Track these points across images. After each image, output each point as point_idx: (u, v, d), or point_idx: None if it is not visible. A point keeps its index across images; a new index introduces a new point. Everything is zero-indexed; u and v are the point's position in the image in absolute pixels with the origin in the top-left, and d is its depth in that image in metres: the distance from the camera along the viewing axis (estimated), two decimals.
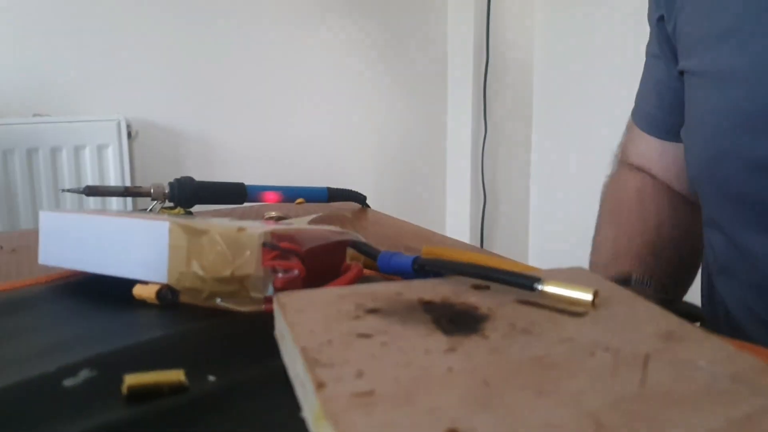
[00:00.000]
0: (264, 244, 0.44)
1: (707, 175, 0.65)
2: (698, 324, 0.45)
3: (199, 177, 0.82)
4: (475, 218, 2.29)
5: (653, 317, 0.38)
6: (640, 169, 0.82)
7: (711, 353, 0.33)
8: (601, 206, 0.82)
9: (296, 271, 0.44)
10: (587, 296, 0.39)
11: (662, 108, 0.77)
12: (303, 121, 2.04)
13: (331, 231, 0.50)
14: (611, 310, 0.39)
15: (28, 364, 0.37)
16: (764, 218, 0.60)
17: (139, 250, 0.48)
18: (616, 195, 0.81)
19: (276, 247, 0.44)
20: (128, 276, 0.49)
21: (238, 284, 0.45)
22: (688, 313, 0.45)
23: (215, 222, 0.50)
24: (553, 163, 2.24)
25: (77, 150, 1.67)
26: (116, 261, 0.49)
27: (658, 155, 0.79)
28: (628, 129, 0.84)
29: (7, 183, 1.61)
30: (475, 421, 0.27)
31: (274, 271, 0.44)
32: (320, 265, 0.47)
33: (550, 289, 0.40)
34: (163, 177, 0.86)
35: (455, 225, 2.33)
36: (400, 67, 2.19)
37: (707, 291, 0.73)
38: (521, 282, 0.41)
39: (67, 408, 0.33)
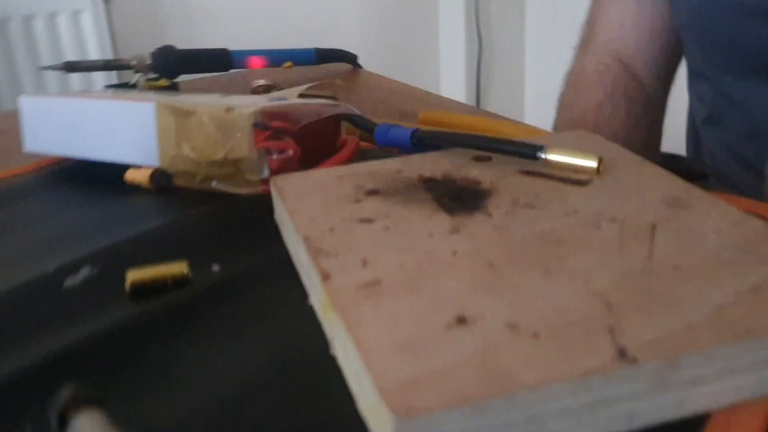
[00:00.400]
0: (255, 125, 0.42)
1: (697, 22, 0.63)
2: (708, 179, 0.45)
3: (180, 40, 0.79)
4: (470, 72, 2.23)
5: (659, 182, 0.37)
6: (603, 59, 0.77)
7: (718, 221, 0.32)
8: (560, 103, 0.78)
9: (291, 152, 0.43)
10: (592, 163, 0.38)
11: None
12: None
13: (324, 105, 0.48)
14: (616, 176, 0.38)
15: (25, 263, 0.37)
16: (754, 65, 0.59)
17: (126, 132, 0.47)
18: (575, 90, 0.77)
19: (267, 127, 0.43)
20: (118, 160, 0.47)
21: (232, 167, 0.44)
22: (695, 171, 0.45)
23: (203, 100, 0.48)
24: (548, 7, 2.16)
25: (51, 18, 1.60)
26: (105, 145, 0.48)
27: (633, 19, 0.74)
28: (595, 1, 0.80)
29: None
30: (483, 306, 0.27)
31: (268, 152, 0.43)
32: (315, 142, 0.46)
33: (553, 157, 0.39)
34: (144, 42, 0.83)
35: (450, 80, 2.27)
36: None
37: (692, 143, 0.73)
38: (524, 152, 0.40)
39: (70, 310, 0.33)
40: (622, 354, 0.23)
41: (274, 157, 0.43)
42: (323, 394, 0.27)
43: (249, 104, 0.44)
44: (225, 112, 0.43)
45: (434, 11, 2.24)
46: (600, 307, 0.26)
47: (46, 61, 1.58)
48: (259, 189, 0.44)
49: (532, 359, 0.24)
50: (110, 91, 0.67)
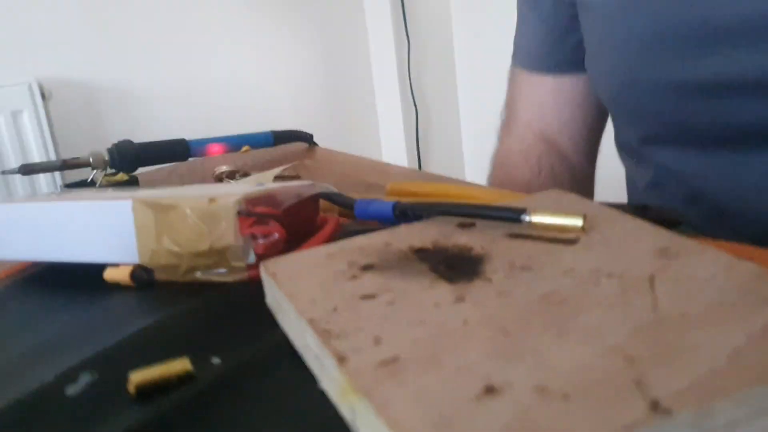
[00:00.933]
0: (239, 212, 0.42)
1: (621, 99, 0.64)
2: (680, 226, 0.46)
3: (123, 133, 0.79)
4: (409, 134, 2.28)
5: (644, 234, 0.38)
6: (527, 139, 0.78)
7: (712, 266, 0.33)
8: (489, 185, 0.78)
9: (276, 235, 0.43)
10: (577, 222, 0.39)
11: (550, 41, 0.73)
12: (224, 60, 1.97)
13: (302, 186, 0.49)
14: (602, 231, 0.39)
15: (20, 374, 0.36)
16: (685, 137, 0.60)
17: (103, 232, 0.46)
18: (503, 172, 0.77)
19: (252, 214, 0.43)
20: (96, 260, 0.47)
21: (217, 256, 0.43)
22: (668, 219, 0.46)
23: (178, 192, 0.48)
24: (477, 60, 2.23)
25: None
26: (80, 246, 0.47)
27: (553, 96, 0.75)
28: (512, 82, 0.80)
29: None
30: (508, 373, 0.27)
31: (254, 237, 0.43)
32: (297, 223, 0.46)
33: (537, 219, 0.40)
34: (85, 138, 0.82)
35: (391, 145, 2.32)
36: None
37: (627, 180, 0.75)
38: (508, 216, 0.40)
39: (77, 418, 0.32)
40: (655, 406, 0.24)
41: (260, 241, 0.43)
42: None
43: (230, 193, 0.44)
44: (208, 203, 0.43)
45: (370, 84, 2.30)
46: (622, 362, 0.27)
47: None
48: (246, 275, 0.43)
49: (568, 422, 0.24)
50: (74, 191, 0.66)
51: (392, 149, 2.29)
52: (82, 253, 0.47)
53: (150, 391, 0.33)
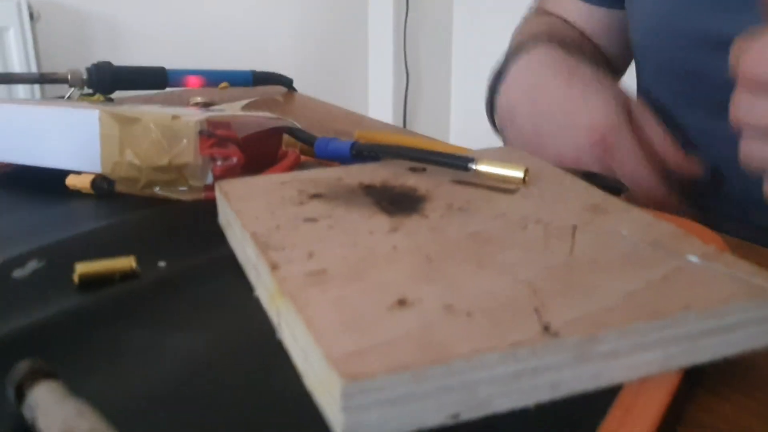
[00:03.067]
0: (201, 132, 0.45)
1: (652, 45, 0.63)
2: (621, 195, 0.49)
3: (107, 58, 0.80)
4: (398, 98, 2.29)
5: (579, 192, 0.41)
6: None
7: (633, 223, 0.36)
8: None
9: (234, 159, 0.45)
10: (518, 173, 0.41)
11: None
12: None
13: (266, 117, 0.51)
14: (540, 186, 0.42)
15: None
16: (707, 98, 0.57)
17: (69, 139, 0.48)
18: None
19: (213, 135, 0.45)
20: (60, 166, 0.49)
21: (175, 173, 0.46)
22: (611, 186, 0.49)
23: (146, 109, 0.50)
24: (474, 40, 2.24)
25: None
26: (47, 151, 0.49)
27: (584, 19, 0.73)
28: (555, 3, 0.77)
29: None
30: (421, 291, 0.29)
31: (213, 159, 0.45)
32: (257, 152, 0.48)
33: (483, 168, 0.42)
34: (70, 62, 0.83)
35: (378, 105, 2.33)
36: None
37: None
38: (456, 163, 0.43)
39: (19, 299, 0.34)
40: (546, 329, 0.27)
41: (219, 164, 0.45)
42: (269, 374, 0.29)
43: (194, 113, 0.46)
44: (171, 120, 0.45)
45: (365, 38, 2.30)
46: (527, 292, 0.29)
47: None
48: (202, 195, 0.46)
49: (466, 333, 0.26)
50: (48, 100, 0.67)
51: (379, 110, 2.31)
52: (47, 158, 0.49)
53: (93, 283, 0.35)
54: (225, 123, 0.46)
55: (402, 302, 0.28)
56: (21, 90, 1.53)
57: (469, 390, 0.25)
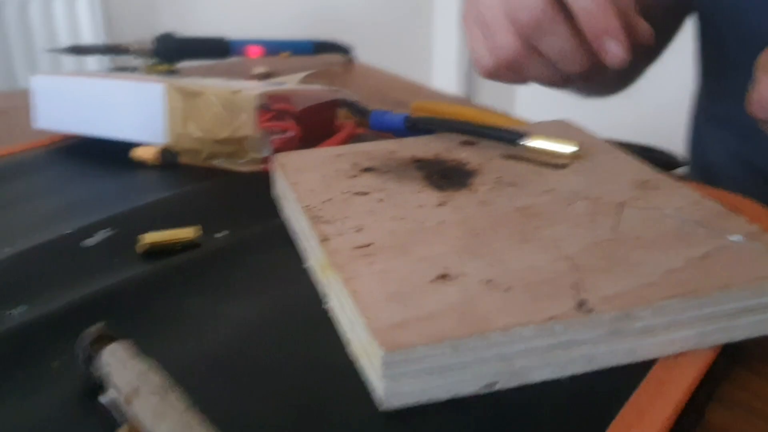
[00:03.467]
0: (259, 106, 0.46)
1: (729, 5, 0.60)
2: (678, 170, 0.49)
3: (175, 27, 0.82)
4: (462, 67, 2.28)
5: (631, 168, 0.41)
6: None
7: (680, 200, 0.36)
8: None
9: (292, 132, 0.47)
10: (569, 149, 0.42)
11: None
12: None
13: (323, 90, 0.52)
14: (592, 161, 0.42)
15: (45, 226, 0.41)
16: None
17: (136, 112, 0.51)
18: None
19: (271, 109, 0.46)
20: (127, 138, 0.51)
21: (235, 145, 0.48)
22: (668, 161, 0.49)
23: (209, 83, 0.52)
24: None
25: (47, 2, 1.63)
26: (114, 123, 0.52)
27: None
28: None
29: None
30: (464, 266, 0.31)
31: (271, 131, 0.47)
32: (313, 125, 0.50)
33: (533, 143, 0.43)
34: (138, 31, 0.86)
35: (442, 74, 2.32)
36: None
37: (694, 141, 0.73)
38: (506, 137, 0.44)
39: (87, 266, 0.37)
40: (581, 305, 0.28)
41: (276, 136, 0.47)
42: (317, 341, 0.31)
43: (254, 87, 0.48)
44: (232, 94, 0.47)
45: (429, 4, 2.28)
46: (567, 268, 0.30)
47: (41, 43, 1.62)
48: (261, 167, 0.48)
49: (504, 307, 0.28)
50: (116, 73, 0.70)
51: (443, 79, 2.29)
52: (115, 129, 0.52)
53: (157, 252, 0.38)
54: (283, 96, 0.48)
55: (445, 276, 0.30)
56: (90, 60, 1.59)
57: (505, 361, 0.27)
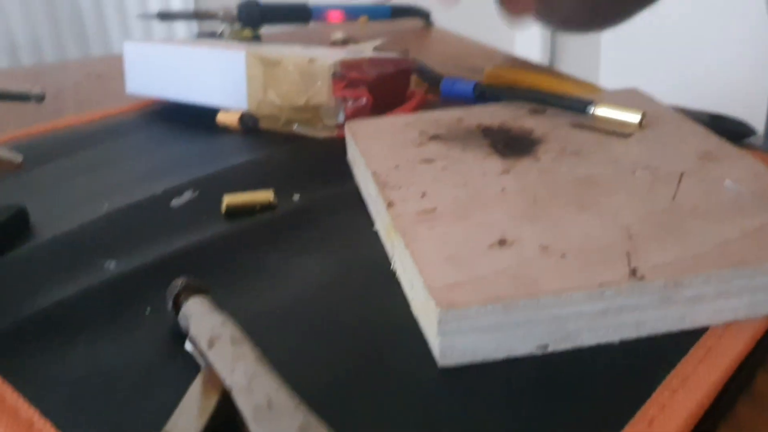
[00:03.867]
0: (334, 74, 0.48)
1: None
2: (748, 138, 0.49)
3: None
4: (545, 34, 2.24)
5: (695, 138, 0.41)
6: None
7: (740, 171, 0.37)
8: None
9: (364, 100, 0.49)
10: (635, 118, 0.43)
11: None
12: None
13: (396, 58, 0.54)
14: (657, 130, 0.43)
15: (136, 187, 0.44)
16: None
17: (219, 79, 0.54)
18: None
19: (345, 77, 0.48)
20: (211, 103, 0.54)
21: (311, 112, 0.50)
22: (738, 131, 0.48)
23: (288, 50, 0.54)
24: None
25: None
26: (199, 89, 0.55)
27: None
28: None
29: (75, 6, 1.65)
30: (523, 232, 0.32)
31: (345, 99, 0.49)
32: (386, 93, 0.51)
33: (600, 111, 0.44)
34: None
35: (524, 39, 2.28)
36: None
37: None
38: (573, 105, 0.44)
39: (175, 224, 0.40)
40: (633, 272, 0.29)
41: (350, 104, 0.49)
42: (381, 299, 0.33)
43: (329, 56, 0.50)
44: (308, 63, 0.49)
45: None
46: (622, 237, 0.31)
47: (134, 10, 1.68)
48: (335, 133, 0.50)
49: (557, 272, 0.29)
50: (202, 40, 0.74)
51: (525, 45, 2.26)
52: (200, 95, 0.55)
53: (238, 212, 0.40)
54: (357, 65, 0.50)
55: (502, 241, 0.31)
56: (179, 26, 1.64)
57: (557, 324, 0.28)
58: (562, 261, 0.30)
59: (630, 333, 0.29)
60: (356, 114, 0.49)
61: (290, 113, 0.51)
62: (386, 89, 0.51)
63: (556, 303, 0.28)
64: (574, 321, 0.28)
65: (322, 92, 0.48)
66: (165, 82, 0.57)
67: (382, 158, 0.40)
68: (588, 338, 0.29)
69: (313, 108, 0.49)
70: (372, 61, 0.51)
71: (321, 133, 0.50)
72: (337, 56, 0.50)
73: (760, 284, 0.29)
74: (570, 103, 0.45)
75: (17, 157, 0.42)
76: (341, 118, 0.49)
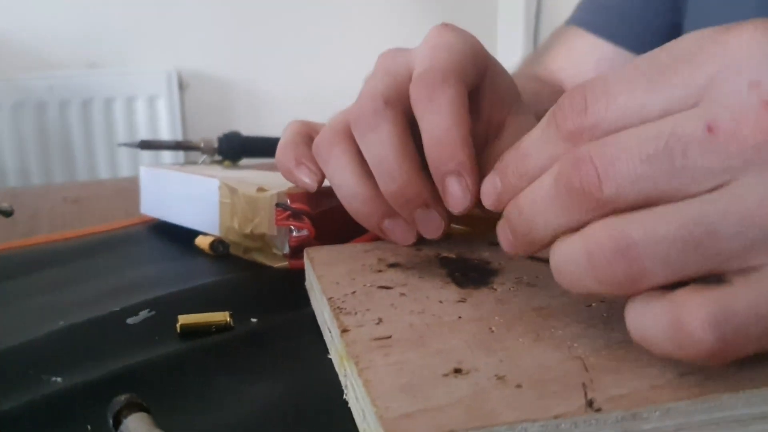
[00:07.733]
0: (277, 205, 0.46)
1: None
2: None
3: (247, 125, 0.85)
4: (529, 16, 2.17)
5: None
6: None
7: None
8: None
9: (305, 231, 0.46)
10: None
11: (641, 14, 0.70)
12: (353, 64, 2.04)
13: None
14: None
15: (99, 303, 0.42)
16: None
17: (196, 204, 0.53)
18: None
19: (288, 208, 0.46)
20: (192, 227, 0.53)
21: (260, 241, 0.48)
22: None
23: (251, 177, 0.53)
24: None
25: (130, 101, 1.71)
26: (181, 212, 0.55)
27: (596, 61, 0.70)
28: (557, 39, 0.75)
29: (65, 134, 1.66)
30: (478, 361, 0.30)
31: (290, 230, 0.47)
32: (336, 223, 0.47)
33: None
34: (213, 127, 0.90)
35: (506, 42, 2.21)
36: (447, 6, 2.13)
37: None
38: None
39: (130, 342, 0.37)
40: (590, 404, 0.27)
41: (294, 234, 0.47)
42: (331, 429, 0.30)
43: (279, 185, 0.48)
44: (256, 191, 0.47)
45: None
46: (578, 368, 0.29)
47: (123, 138, 1.69)
48: (287, 264, 0.48)
49: (512, 403, 0.27)
50: (189, 166, 0.73)
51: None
52: (181, 217, 0.55)
53: (193, 332, 0.38)
54: (305, 196, 0.47)
55: (457, 370, 0.29)
56: (166, 154, 1.65)
57: None
58: (518, 391, 0.28)
59: None
60: (300, 245, 0.46)
61: (245, 241, 0.49)
62: (335, 220, 0.48)
63: None
64: None
65: (264, 222, 0.47)
66: (154, 202, 0.57)
67: (339, 284, 0.38)
68: None
69: (260, 237, 0.48)
70: (323, 192, 0.48)
71: (274, 263, 0.48)
72: (284, 186, 0.48)
73: (719, 419, 0.27)
74: None
75: None
76: (287, 248, 0.47)
